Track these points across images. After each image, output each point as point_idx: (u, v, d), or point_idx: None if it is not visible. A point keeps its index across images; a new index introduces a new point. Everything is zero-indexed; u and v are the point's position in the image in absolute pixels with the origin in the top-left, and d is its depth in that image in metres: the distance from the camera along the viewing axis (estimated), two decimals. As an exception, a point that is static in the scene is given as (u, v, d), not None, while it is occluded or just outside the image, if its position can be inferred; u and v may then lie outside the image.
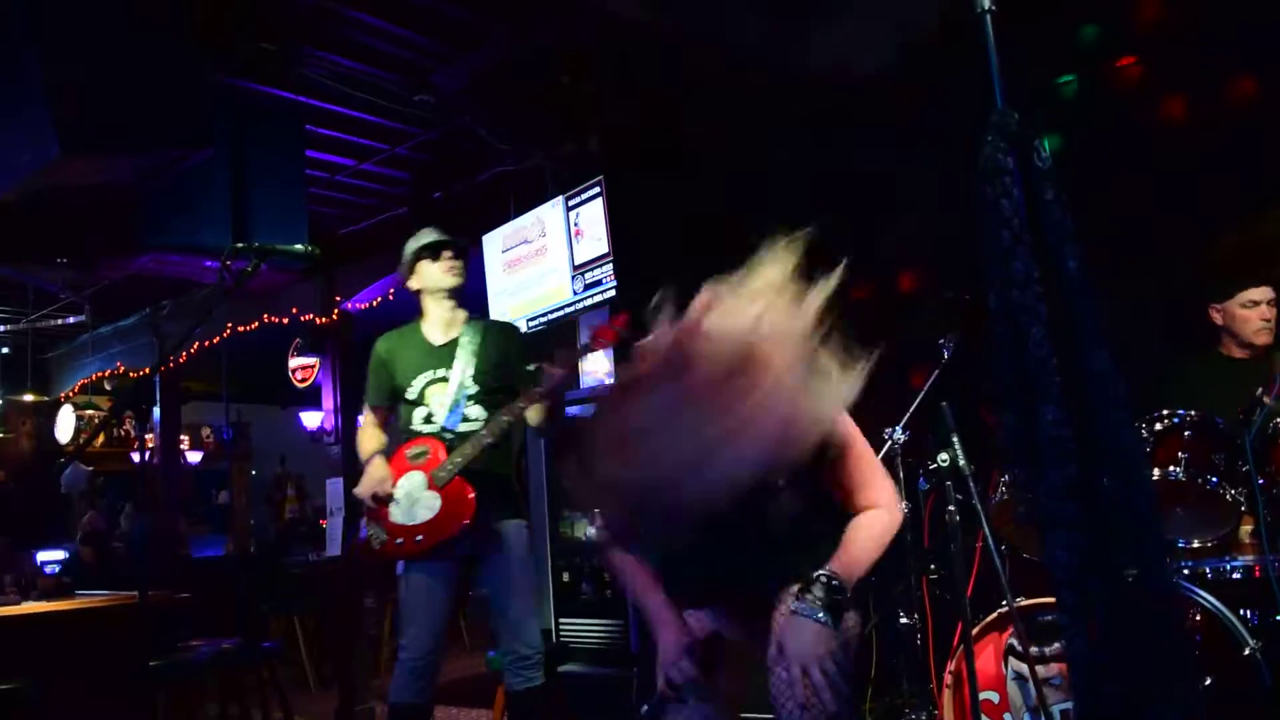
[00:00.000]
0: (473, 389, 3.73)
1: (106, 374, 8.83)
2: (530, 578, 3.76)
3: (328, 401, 7.06)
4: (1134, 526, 1.52)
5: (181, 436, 10.18)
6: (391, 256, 6.70)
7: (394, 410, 3.89)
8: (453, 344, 3.81)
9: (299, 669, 8.33)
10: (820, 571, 2.04)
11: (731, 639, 2.21)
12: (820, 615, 1.97)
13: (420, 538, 3.57)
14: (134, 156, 3.83)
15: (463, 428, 3.68)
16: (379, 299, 7.07)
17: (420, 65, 4.97)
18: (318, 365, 7.24)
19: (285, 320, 7.21)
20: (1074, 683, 1.47)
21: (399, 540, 3.61)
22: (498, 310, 5.87)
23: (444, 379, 3.75)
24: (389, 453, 3.80)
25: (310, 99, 5.15)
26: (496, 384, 3.75)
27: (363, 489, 3.69)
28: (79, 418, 9.57)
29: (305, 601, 8.79)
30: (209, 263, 6.45)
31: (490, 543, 3.65)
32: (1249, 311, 3.79)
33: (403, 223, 6.54)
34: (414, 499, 3.61)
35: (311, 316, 7.07)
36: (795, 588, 2.07)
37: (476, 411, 3.72)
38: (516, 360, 3.81)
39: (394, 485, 3.65)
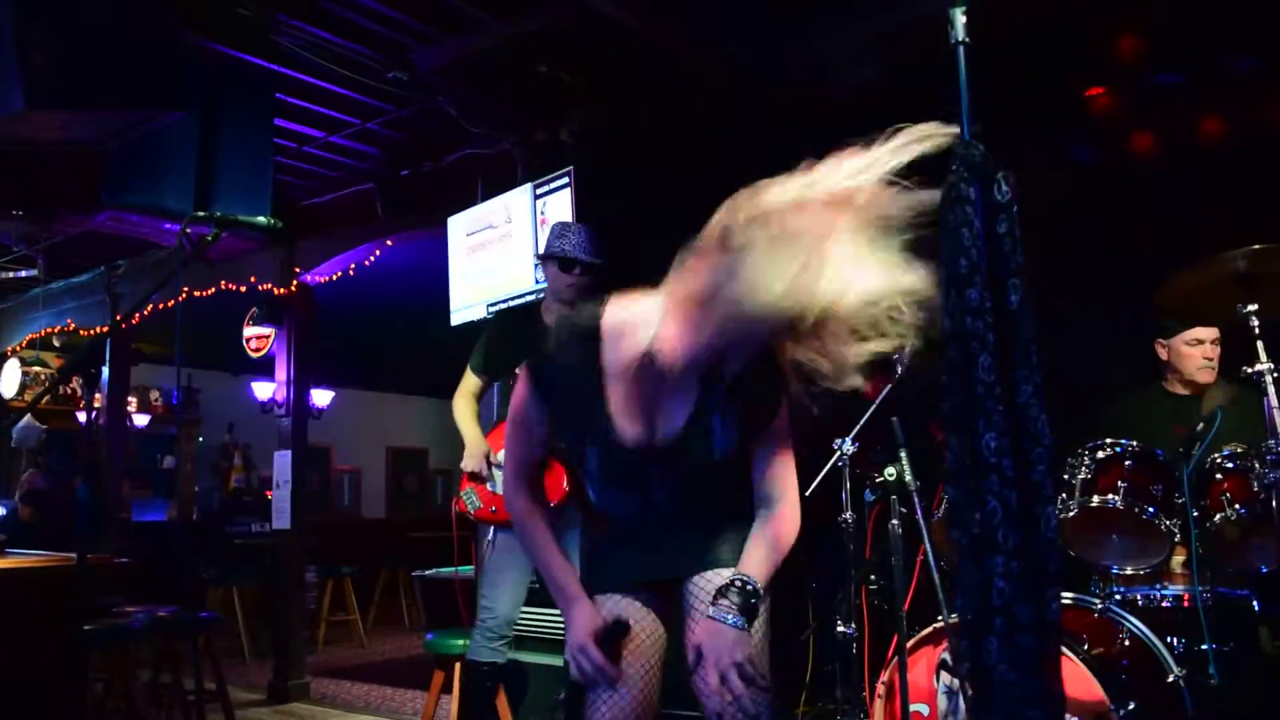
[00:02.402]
0: None
1: (56, 330, 8.69)
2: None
3: (280, 373, 7.00)
4: (1036, 561, 1.56)
5: (129, 398, 10.05)
6: (355, 231, 6.73)
7: (490, 384, 4.12)
8: None
9: (235, 640, 8.29)
10: (735, 575, 2.08)
11: (642, 624, 2.21)
12: (734, 620, 2.00)
13: None
14: (102, 114, 3.76)
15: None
16: (339, 273, 7.02)
17: (399, 43, 4.94)
18: (273, 336, 7.17)
19: (243, 288, 7.14)
20: (999, 704, 1.50)
21: (493, 508, 3.86)
22: (459, 293, 5.85)
23: None
24: (489, 427, 4.06)
25: (283, 68, 5.09)
26: None
27: (469, 462, 3.95)
28: (24, 373, 9.43)
29: (246, 572, 8.75)
30: (168, 225, 6.38)
31: (570, 527, 3.78)
32: (1193, 349, 3.87)
33: (369, 198, 6.50)
34: None
35: (270, 286, 7.00)
36: (707, 586, 2.13)
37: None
38: None
39: (496, 456, 3.85)
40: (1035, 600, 1.47)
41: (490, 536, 3.93)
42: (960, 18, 1.52)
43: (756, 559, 2.11)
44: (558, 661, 4.50)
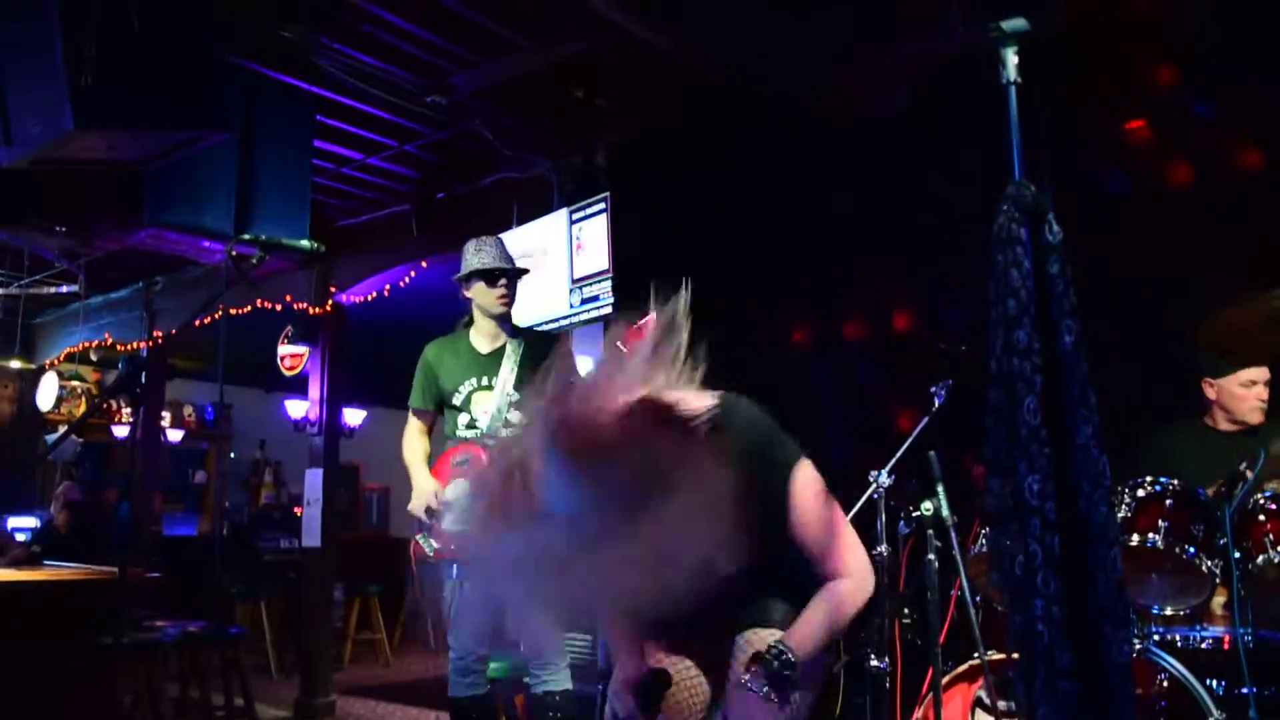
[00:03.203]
0: (516, 397, 3.86)
1: (94, 344, 8.78)
2: None
3: (314, 391, 7.05)
4: (1100, 604, 1.54)
5: (163, 413, 10.14)
6: (390, 252, 6.77)
7: (439, 414, 4.05)
8: (498, 353, 3.98)
9: (262, 656, 8.32)
10: (773, 643, 2.02)
11: (685, 678, 2.18)
12: (766, 690, 1.96)
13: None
14: (147, 135, 3.82)
15: (505, 434, 3.72)
16: (374, 294, 7.06)
17: (438, 67, 4.98)
18: (307, 354, 7.23)
19: (278, 307, 7.20)
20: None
21: (452, 545, 3.76)
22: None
23: (488, 387, 3.93)
24: (432, 459, 3.96)
25: (323, 90, 5.15)
26: None
27: (415, 505, 3.85)
28: (62, 386, 9.53)
29: (274, 588, 8.78)
30: (207, 243, 6.44)
31: None
32: (1246, 391, 3.81)
33: (404, 220, 6.55)
34: (462, 507, 3.71)
35: (305, 306, 7.06)
36: (746, 655, 2.07)
37: (519, 418, 3.76)
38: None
39: (442, 493, 3.80)
40: (1086, 646, 1.45)
41: (454, 575, 3.87)
42: (1012, 58, 1.51)
43: (804, 628, 2.05)
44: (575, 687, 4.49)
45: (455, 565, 3.83)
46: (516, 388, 3.89)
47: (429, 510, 3.81)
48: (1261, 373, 3.78)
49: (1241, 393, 3.81)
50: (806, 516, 2.08)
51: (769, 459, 2.06)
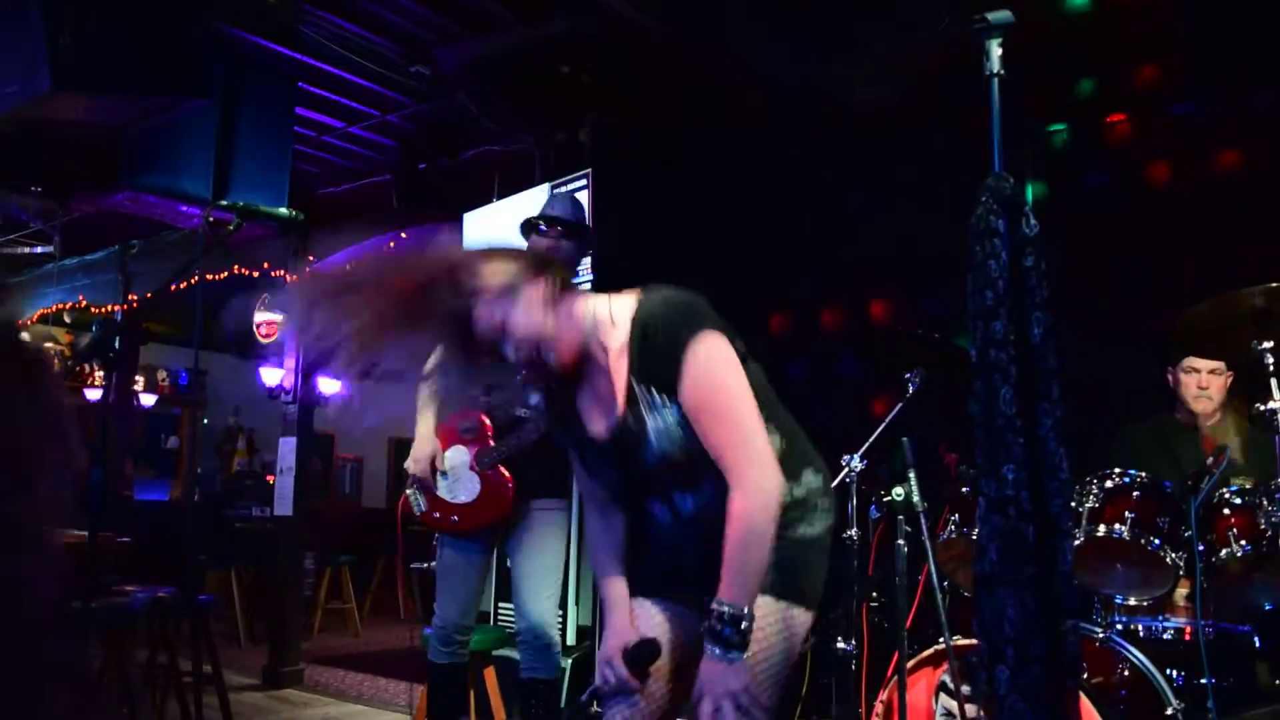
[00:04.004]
0: None
1: (67, 306, 8.71)
2: (552, 562, 3.67)
3: (289, 360, 7.02)
4: (1051, 591, 1.56)
5: (136, 378, 10.07)
6: (370, 222, 6.73)
7: None
8: None
9: (231, 623, 8.30)
10: (715, 603, 1.91)
11: (676, 639, 2.16)
12: (720, 652, 1.89)
13: (456, 519, 3.65)
14: (126, 98, 3.79)
15: (519, 411, 3.59)
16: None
17: (423, 39, 4.95)
18: (283, 322, 7.19)
19: (256, 273, 7.16)
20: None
21: (436, 514, 3.70)
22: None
23: None
24: (441, 418, 3.78)
25: (306, 57, 5.10)
26: None
27: (414, 463, 3.72)
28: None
29: (244, 556, 8.75)
30: (185, 208, 6.38)
31: (520, 520, 3.65)
32: (1188, 377, 3.88)
33: (385, 190, 6.51)
34: (457, 475, 3.67)
35: (283, 273, 7.02)
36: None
37: (537, 399, 3.66)
38: None
39: (442, 459, 3.70)
40: (1049, 633, 1.47)
41: (438, 542, 3.78)
42: (996, 50, 1.52)
43: (727, 580, 1.91)
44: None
45: (439, 534, 3.77)
46: None
47: (424, 471, 3.70)
48: (1204, 362, 3.83)
49: (1185, 379, 3.89)
50: (692, 401, 1.92)
51: (671, 339, 1.93)
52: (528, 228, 3.82)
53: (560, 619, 3.89)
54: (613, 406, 2.04)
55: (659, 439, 1.98)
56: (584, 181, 5.30)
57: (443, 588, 3.72)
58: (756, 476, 1.91)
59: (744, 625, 1.89)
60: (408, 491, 3.81)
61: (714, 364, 1.93)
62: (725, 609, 1.89)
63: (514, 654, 4.82)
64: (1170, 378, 3.99)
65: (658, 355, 1.93)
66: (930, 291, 4.85)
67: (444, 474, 3.71)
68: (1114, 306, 4.35)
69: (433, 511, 3.73)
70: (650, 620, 2.18)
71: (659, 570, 2.21)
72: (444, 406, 3.76)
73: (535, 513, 3.66)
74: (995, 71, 1.53)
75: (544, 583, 3.64)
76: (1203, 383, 3.86)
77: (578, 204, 3.93)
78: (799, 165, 5.10)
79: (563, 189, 5.41)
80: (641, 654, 2.08)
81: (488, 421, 3.69)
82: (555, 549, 3.69)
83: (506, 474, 3.61)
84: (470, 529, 3.65)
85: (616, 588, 2.20)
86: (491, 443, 3.67)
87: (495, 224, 5.76)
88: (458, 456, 3.71)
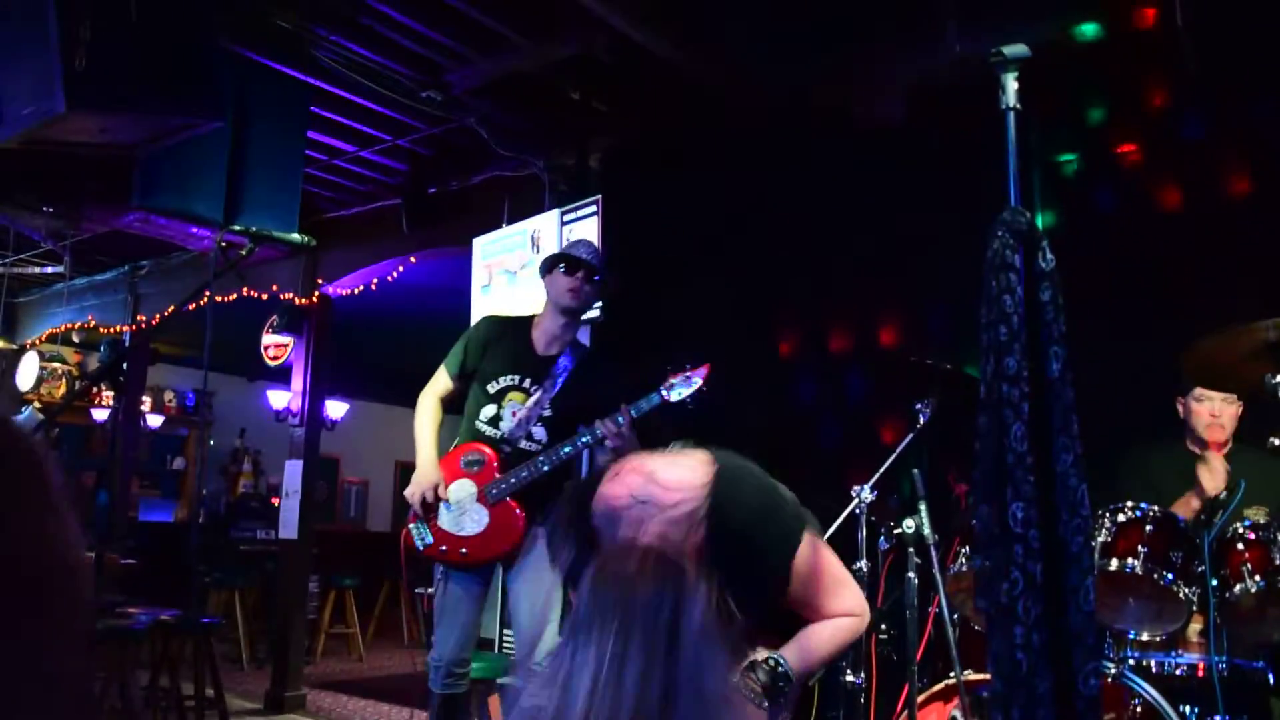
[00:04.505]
0: (549, 414, 3.70)
1: (76, 326, 8.73)
2: (548, 587, 3.64)
3: (297, 383, 7.02)
4: (1070, 632, 1.54)
5: (143, 398, 10.08)
6: (379, 245, 6.75)
7: (465, 389, 3.85)
8: (552, 361, 3.77)
9: (234, 646, 8.27)
10: (770, 654, 1.94)
11: None
12: (757, 700, 1.88)
13: (464, 551, 3.63)
14: (139, 120, 3.79)
15: (523, 446, 3.67)
16: (361, 287, 7.04)
17: (435, 62, 4.97)
18: (291, 345, 7.20)
19: (265, 296, 7.16)
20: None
21: (443, 547, 3.66)
22: (480, 314, 5.85)
23: (527, 391, 3.73)
24: (443, 449, 3.79)
25: (318, 80, 5.12)
26: (573, 418, 3.65)
27: (414, 492, 3.70)
28: (43, 367, 9.47)
29: (248, 578, 8.73)
30: (195, 229, 6.42)
31: (521, 553, 3.65)
32: (1200, 405, 3.85)
33: (394, 214, 6.52)
34: (463, 509, 3.65)
35: (291, 296, 7.03)
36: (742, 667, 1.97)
37: (541, 433, 3.70)
38: (604, 403, 3.55)
39: (446, 489, 3.67)
40: (1064, 674, 1.44)
41: (439, 575, 3.73)
42: (1012, 84, 1.51)
43: (806, 646, 1.98)
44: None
45: (442, 566, 3.72)
46: (554, 404, 3.70)
47: (426, 504, 3.69)
48: (1215, 392, 3.81)
49: (1196, 407, 3.85)
50: (813, 582, 2.03)
51: (770, 534, 1.99)
52: (550, 265, 3.84)
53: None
54: None
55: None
56: (594, 208, 5.30)
57: (442, 622, 3.69)
58: (865, 606, 2.07)
59: (784, 685, 1.92)
60: (410, 525, 3.77)
61: (820, 558, 2.03)
62: (782, 666, 1.93)
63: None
64: (1181, 407, 3.96)
65: (745, 560, 1.93)
66: (940, 316, 4.83)
67: (448, 505, 3.68)
68: (1124, 335, 4.32)
69: (439, 545, 3.68)
70: None
71: None
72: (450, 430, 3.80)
73: (535, 538, 3.65)
74: (1011, 105, 1.52)
75: (540, 607, 3.63)
76: (1215, 411, 3.83)
77: (596, 250, 3.96)
78: (808, 190, 5.09)
79: (572, 214, 5.41)
80: None
81: (492, 454, 3.67)
82: (554, 574, 3.62)
83: (516, 505, 3.60)
84: (482, 560, 3.63)
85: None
86: (498, 474, 3.65)
87: (506, 246, 5.77)
88: (463, 489, 3.68)
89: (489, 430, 3.72)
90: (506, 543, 3.60)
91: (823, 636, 2.01)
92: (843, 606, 2.04)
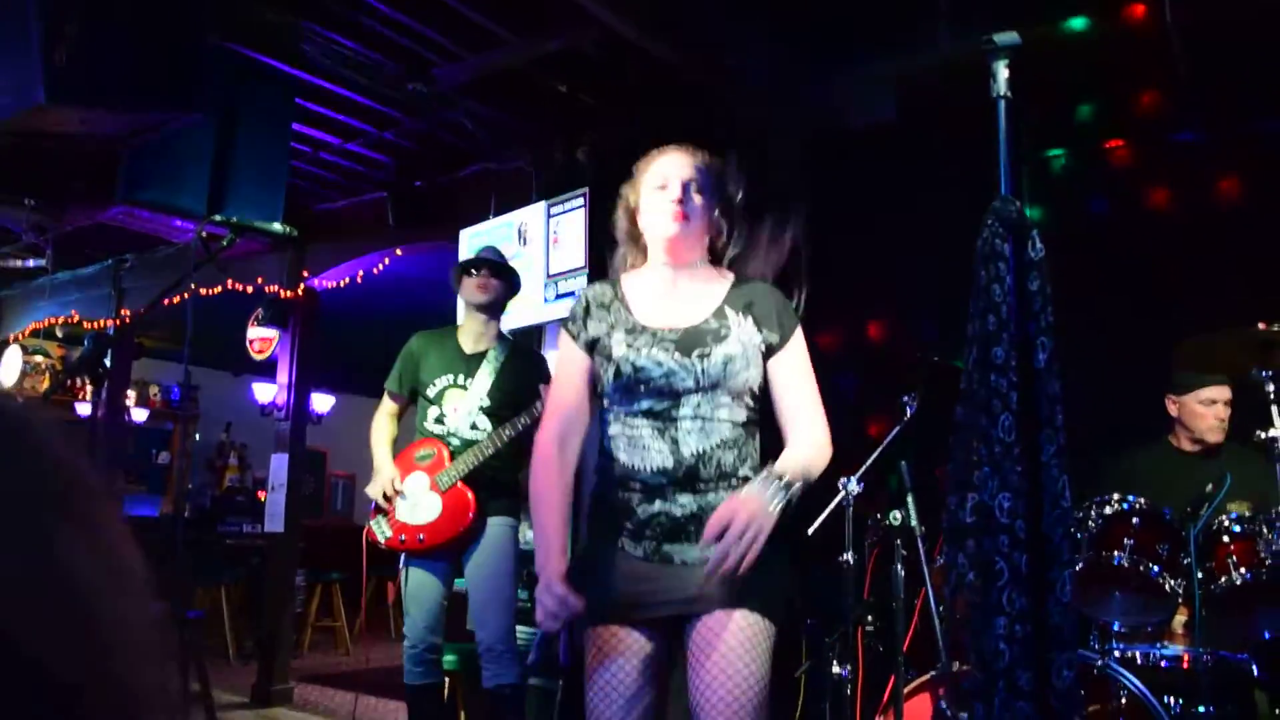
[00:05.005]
0: (487, 403, 3.97)
1: (60, 320, 8.66)
2: (507, 574, 3.93)
3: (282, 376, 6.98)
4: (1047, 625, 1.53)
5: (128, 392, 10.02)
6: (365, 239, 6.72)
7: (412, 403, 4.16)
8: (480, 356, 4.07)
9: (220, 640, 8.24)
10: (769, 470, 2.10)
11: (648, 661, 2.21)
12: (767, 493, 2.03)
13: (422, 537, 3.88)
14: (121, 112, 3.76)
15: (469, 435, 3.94)
16: (347, 280, 7.01)
17: (421, 56, 4.94)
18: (277, 338, 7.16)
19: (250, 289, 7.12)
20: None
21: (402, 537, 3.92)
22: (463, 306, 5.82)
23: (463, 386, 4.01)
24: (397, 449, 4.10)
25: (303, 73, 5.09)
26: (510, 403, 3.97)
27: (374, 488, 4.01)
28: (26, 362, 9.40)
29: (235, 572, 8.69)
30: (179, 222, 6.36)
31: (476, 537, 3.89)
32: (1205, 409, 3.82)
33: (380, 207, 6.50)
34: (417, 500, 3.91)
35: (277, 289, 6.99)
36: (715, 626, 2.14)
37: (485, 423, 3.96)
38: (532, 388, 3.93)
39: (401, 483, 3.95)
40: (1042, 666, 1.44)
41: (402, 565, 3.98)
42: (1003, 72, 1.50)
43: (791, 460, 2.14)
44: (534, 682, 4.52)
45: (403, 555, 3.96)
46: (490, 394, 3.97)
47: (385, 496, 3.96)
48: (1222, 392, 3.80)
49: (1201, 410, 3.83)
50: (791, 358, 2.30)
51: (785, 306, 2.36)
52: (458, 274, 4.18)
53: (517, 630, 4.10)
54: (700, 304, 2.31)
55: (729, 351, 2.22)
56: (580, 201, 5.29)
57: (410, 609, 3.94)
58: (827, 435, 2.27)
59: (791, 493, 2.08)
60: (370, 523, 4.03)
61: (806, 360, 2.34)
62: (785, 477, 2.08)
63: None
64: (1173, 406, 3.94)
65: (766, 304, 2.32)
66: (928, 313, 4.83)
67: (403, 498, 3.94)
68: (1110, 333, 4.33)
69: (398, 535, 3.94)
70: (620, 643, 2.18)
71: (632, 581, 2.20)
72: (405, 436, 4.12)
73: (488, 530, 3.91)
74: (1002, 94, 1.51)
75: (498, 595, 3.89)
76: (1220, 414, 3.81)
77: (497, 251, 4.35)
78: (795, 184, 5.09)
79: (560, 206, 5.40)
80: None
81: (441, 446, 3.95)
82: (508, 562, 3.94)
83: (466, 490, 3.86)
84: (437, 544, 3.87)
85: (557, 517, 2.26)
86: (447, 464, 3.91)
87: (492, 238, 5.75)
88: (417, 481, 3.95)
89: (436, 429, 4.01)
90: (459, 525, 3.85)
91: (808, 449, 2.21)
92: (821, 425, 2.27)
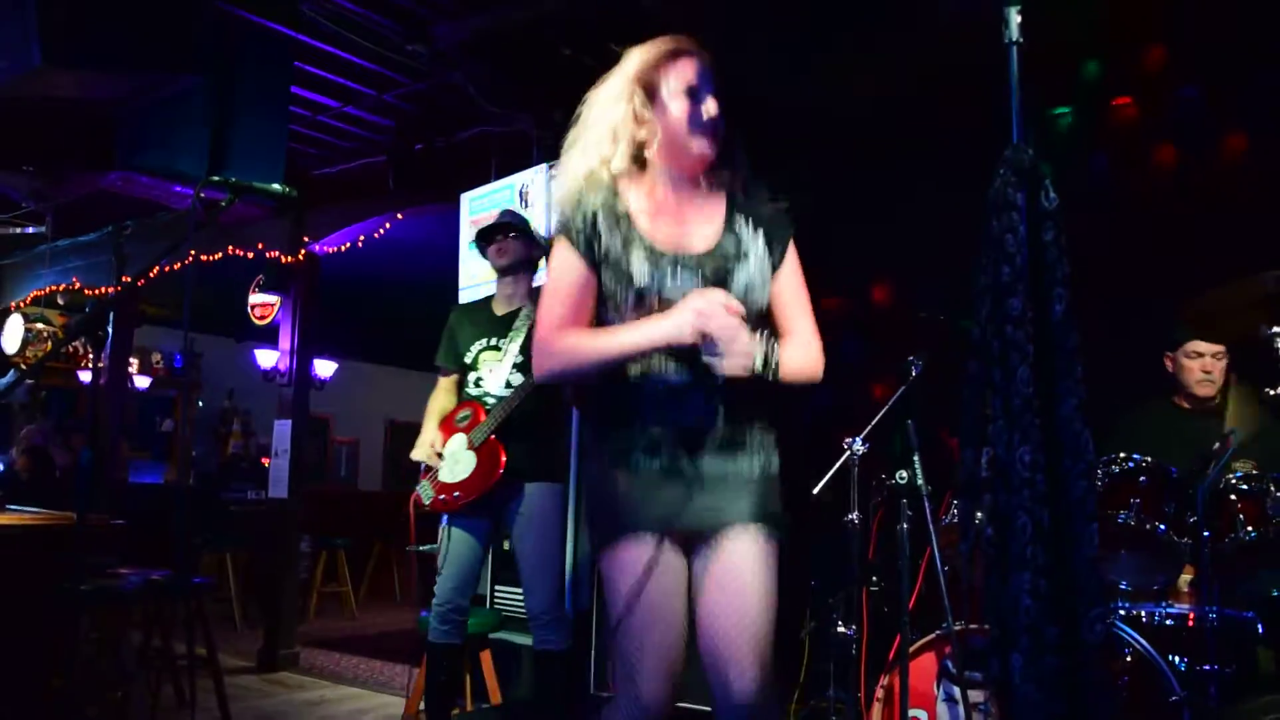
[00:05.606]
0: (520, 359, 3.97)
1: (61, 288, 8.63)
2: (551, 540, 3.96)
3: (284, 342, 6.96)
4: (1072, 579, 1.52)
5: (131, 360, 10.01)
6: (366, 203, 6.67)
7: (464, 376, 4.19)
8: (512, 315, 4.11)
9: (226, 606, 8.28)
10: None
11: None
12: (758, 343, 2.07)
13: (458, 494, 3.90)
14: (117, 75, 3.72)
15: (504, 394, 3.96)
16: (348, 244, 6.97)
17: (421, 16, 4.88)
18: (278, 304, 7.13)
19: (250, 255, 7.08)
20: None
21: (441, 497, 3.95)
22: (468, 270, 5.80)
23: (497, 347, 4.05)
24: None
25: (301, 34, 5.03)
26: None
27: (417, 452, 4.06)
28: (27, 330, 9.37)
29: (239, 539, 8.72)
30: (179, 188, 6.31)
31: (516, 501, 3.91)
32: (1191, 362, 3.86)
33: (380, 170, 6.45)
34: (456, 459, 3.95)
35: (277, 254, 6.95)
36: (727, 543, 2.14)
37: (519, 380, 3.96)
38: None
39: (443, 446, 3.99)
40: (1068, 621, 1.43)
41: (444, 526, 4.02)
42: (1015, 18, 1.47)
43: (785, 350, 2.16)
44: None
45: (446, 515, 3.99)
46: (523, 349, 3.96)
47: (427, 457, 4.01)
48: (1208, 345, 3.81)
49: (1187, 363, 3.86)
50: (790, 267, 2.31)
51: (784, 217, 2.38)
52: (478, 243, 4.23)
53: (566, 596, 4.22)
54: (711, 223, 2.27)
55: (750, 278, 2.21)
56: (583, 162, 5.24)
57: (444, 569, 3.95)
58: (819, 347, 2.26)
59: (774, 361, 2.10)
60: (417, 487, 4.07)
61: (799, 269, 2.36)
62: (776, 353, 2.11)
63: (510, 637, 4.84)
64: (1170, 364, 3.95)
65: (771, 220, 2.34)
66: (933, 275, 4.81)
67: (443, 461, 3.97)
68: (1117, 290, 4.30)
69: (439, 495, 3.95)
70: (644, 556, 2.13)
71: (658, 490, 2.14)
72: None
73: (533, 495, 3.90)
74: (1015, 40, 1.48)
75: (545, 564, 3.90)
76: (1207, 366, 3.83)
77: (512, 212, 4.42)
78: (799, 150, 5.04)
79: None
80: None
81: (477, 407, 3.96)
82: (554, 529, 3.96)
83: (498, 443, 3.87)
84: (473, 498, 3.86)
85: (607, 330, 2.21)
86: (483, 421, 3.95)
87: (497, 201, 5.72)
88: (456, 442, 3.98)
89: (475, 391, 4.05)
90: (492, 477, 3.84)
91: (799, 363, 2.19)
92: (814, 332, 2.28)
